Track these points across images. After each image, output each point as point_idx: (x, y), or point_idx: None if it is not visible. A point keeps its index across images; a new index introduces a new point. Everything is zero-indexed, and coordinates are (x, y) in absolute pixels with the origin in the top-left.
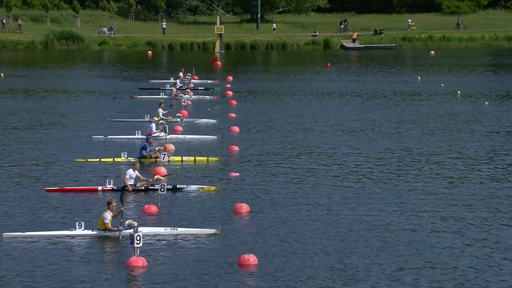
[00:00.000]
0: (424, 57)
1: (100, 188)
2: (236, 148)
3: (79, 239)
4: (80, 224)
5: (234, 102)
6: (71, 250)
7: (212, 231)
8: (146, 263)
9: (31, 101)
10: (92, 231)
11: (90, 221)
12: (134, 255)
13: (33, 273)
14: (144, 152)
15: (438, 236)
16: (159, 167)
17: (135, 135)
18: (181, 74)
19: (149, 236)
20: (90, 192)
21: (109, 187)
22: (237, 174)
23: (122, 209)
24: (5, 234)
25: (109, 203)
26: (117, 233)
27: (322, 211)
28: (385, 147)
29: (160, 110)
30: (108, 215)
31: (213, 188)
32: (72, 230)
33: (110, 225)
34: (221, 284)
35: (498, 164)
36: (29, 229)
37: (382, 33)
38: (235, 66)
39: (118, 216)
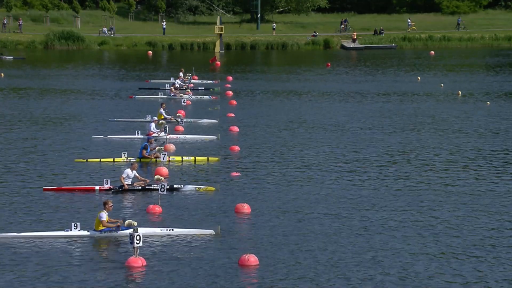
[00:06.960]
0: (424, 57)
1: (97, 187)
2: (237, 148)
3: (75, 239)
4: (75, 225)
5: (234, 102)
6: (68, 250)
7: (212, 231)
8: (145, 263)
9: (31, 101)
10: (88, 231)
11: (87, 221)
12: (134, 255)
13: (31, 273)
14: (144, 152)
15: (442, 237)
16: (160, 167)
17: (135, 135)
18: (181, 74)
19: (149, 236)
20: (87, 191)
21: (106, 186)
22: (238, 174)
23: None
24: (1, 235)
25: (105, 203)
26: (115, 232)
27: (323, 211)
28: (385, 147)
29: (162, 110)
30: (104, 215)
31: (211, 188)
32: (67, 231)
33: (106, 223)
34: (221, 285)
35: (502, 164)
36: (25, 230)
37: (382, 33)
38: (235, 66)
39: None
